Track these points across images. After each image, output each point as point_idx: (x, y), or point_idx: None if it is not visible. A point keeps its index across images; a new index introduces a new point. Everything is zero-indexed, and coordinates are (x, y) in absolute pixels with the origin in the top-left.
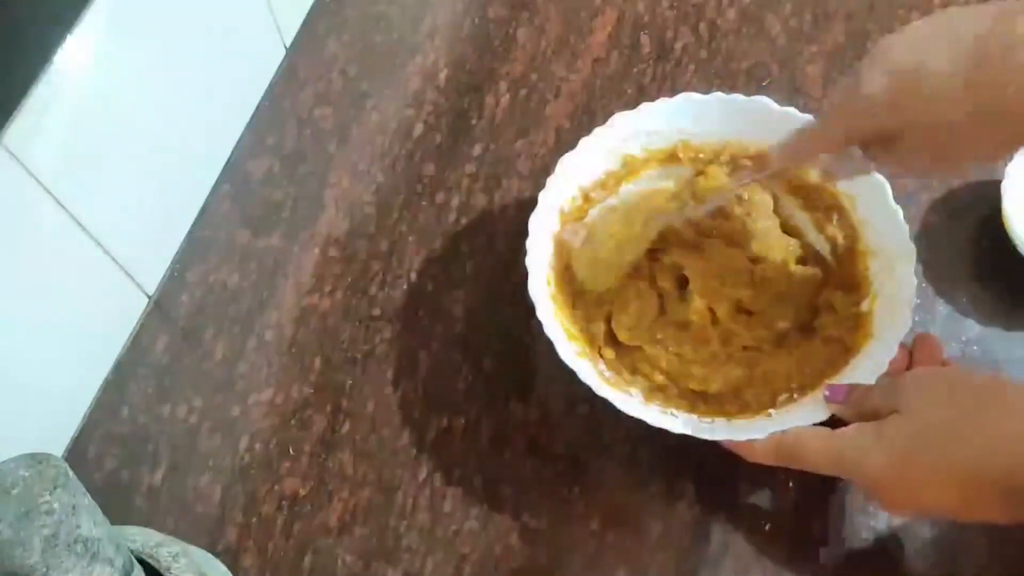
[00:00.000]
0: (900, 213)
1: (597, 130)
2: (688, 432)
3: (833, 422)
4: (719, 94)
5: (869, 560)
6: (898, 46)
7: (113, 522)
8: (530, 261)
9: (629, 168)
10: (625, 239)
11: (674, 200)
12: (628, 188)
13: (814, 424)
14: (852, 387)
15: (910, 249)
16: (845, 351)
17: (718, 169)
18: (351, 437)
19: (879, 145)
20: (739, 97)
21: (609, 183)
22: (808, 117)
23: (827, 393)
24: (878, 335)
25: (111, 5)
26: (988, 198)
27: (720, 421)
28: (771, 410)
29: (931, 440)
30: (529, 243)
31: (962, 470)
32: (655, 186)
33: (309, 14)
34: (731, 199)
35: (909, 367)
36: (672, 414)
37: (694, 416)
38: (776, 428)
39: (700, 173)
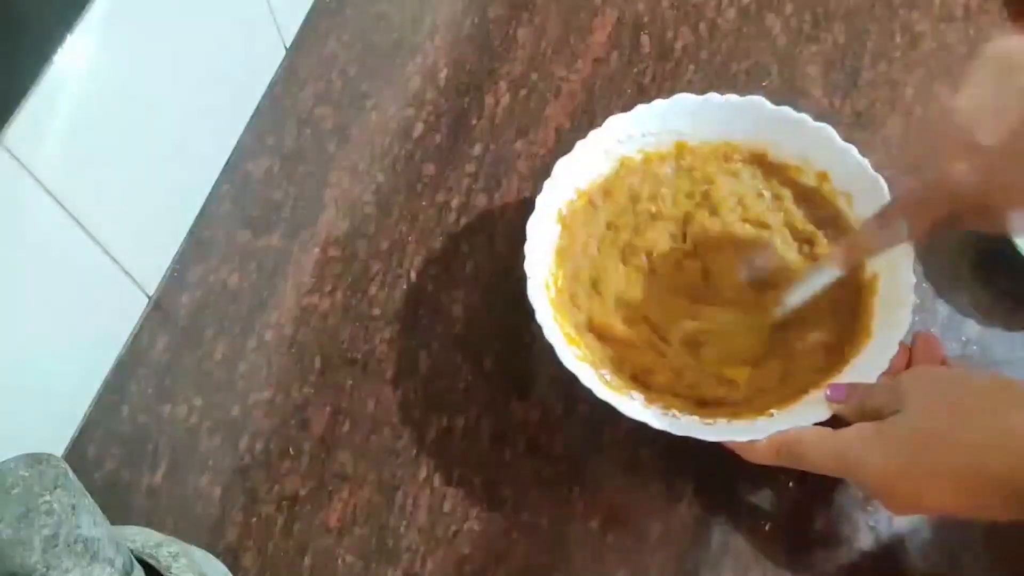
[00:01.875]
0: None
1: (592, 133)
2: (689, 434)
3: (834, 422)
4: (714, 94)
5: (869, 560)
6: (964, 121)
7: (113, 522)
8: (529, 265)
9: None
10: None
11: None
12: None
13: (815, 424)
14: (853, 386)
15: (908, 247)
16: (845, 350)
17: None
18: (351, 437)
19: (972, 215)
20: (734, 97)
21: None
22: (803, 116)
23: (828, 392)
24: (878, 334)
25: (111, 5)
26: None
27: (721, 422)
28: (772, 410)
29: (932, 440)
30: (527, 247)
31: (963, 470)
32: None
33: (309, 14)
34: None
35: (909, 366)
36: (674, 415)
37: (695, 417)
38: (777, 428)
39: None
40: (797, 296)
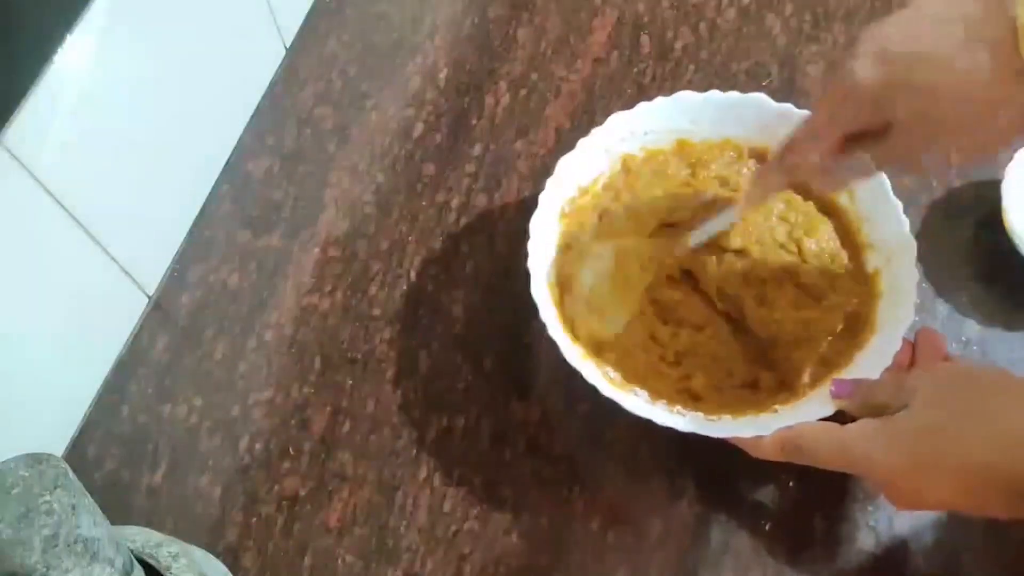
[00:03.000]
0: (900, 207)
1: (595, 131)
2: (695, 430)
3: (839, 418)
4: (715, 92)
5: (869, 560)
6: (890, 30)
7: (113, 522)
8: (532, 264)
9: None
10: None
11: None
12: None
13: (819, 420)
14: (858, 382)
15: (910, 242)
16: (849, 345)
17: (710, 180)
18: (351, 437)
19: (871, 139)
20: (735, 94)
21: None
22: (805, 113)
23: (833, 388)
24: (881, 329)
25: (111, 5)
26: (988, 198)
27: (726, 418)
28: (777, 406)
29: (937, 435)
30: (530, 245)
31: (967, 466)
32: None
33: (309, 14)
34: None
35: (912, 362)
36: (679, 412)
37: (700, 414)
38: (783, 424)
39: (690, 184)
40: (700, 235)
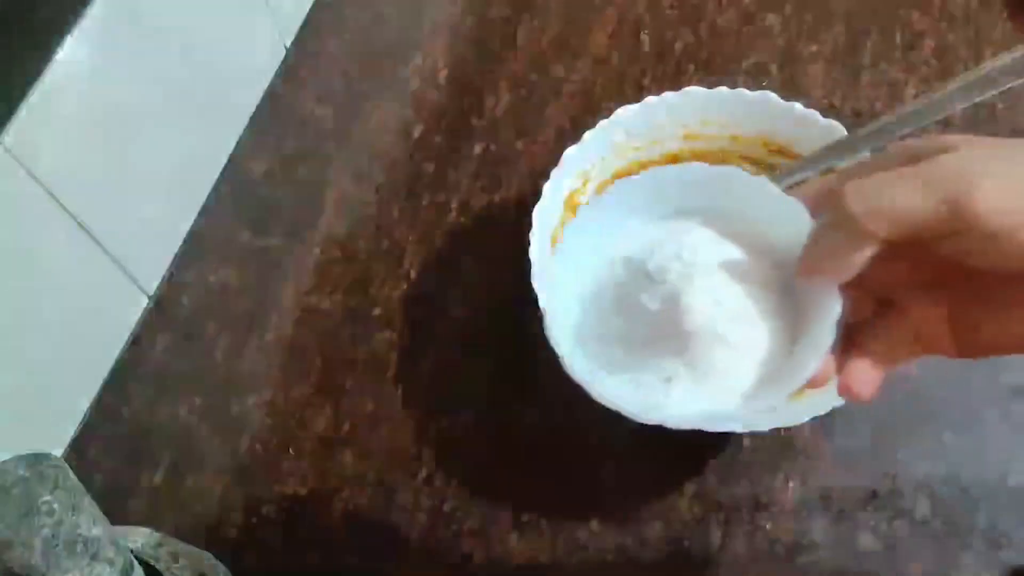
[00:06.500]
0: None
1: (602, 122)
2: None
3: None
4: (724, 88)
5: (869, 560)
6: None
7: (113, 522)
8: (533, 252)
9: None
10: None
11: None
12: None
13: (817, 415)
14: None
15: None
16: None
17: None
18: (351, 437)
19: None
20: (744, 91)
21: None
22: (813, 112)
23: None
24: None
25: (111, 5)
26: None
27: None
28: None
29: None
30: (532, 234)
31: None
32: None
33: (309, 14)
34: None
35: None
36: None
37: None
38: (780, 422)
39: None
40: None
